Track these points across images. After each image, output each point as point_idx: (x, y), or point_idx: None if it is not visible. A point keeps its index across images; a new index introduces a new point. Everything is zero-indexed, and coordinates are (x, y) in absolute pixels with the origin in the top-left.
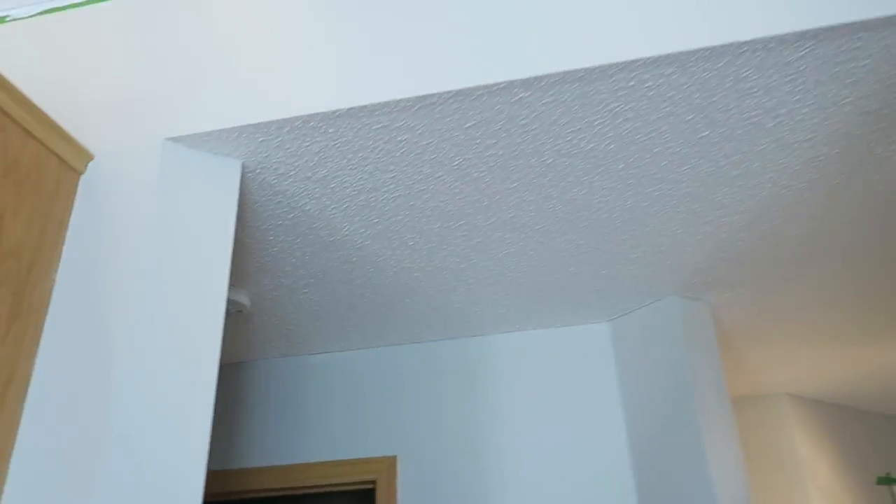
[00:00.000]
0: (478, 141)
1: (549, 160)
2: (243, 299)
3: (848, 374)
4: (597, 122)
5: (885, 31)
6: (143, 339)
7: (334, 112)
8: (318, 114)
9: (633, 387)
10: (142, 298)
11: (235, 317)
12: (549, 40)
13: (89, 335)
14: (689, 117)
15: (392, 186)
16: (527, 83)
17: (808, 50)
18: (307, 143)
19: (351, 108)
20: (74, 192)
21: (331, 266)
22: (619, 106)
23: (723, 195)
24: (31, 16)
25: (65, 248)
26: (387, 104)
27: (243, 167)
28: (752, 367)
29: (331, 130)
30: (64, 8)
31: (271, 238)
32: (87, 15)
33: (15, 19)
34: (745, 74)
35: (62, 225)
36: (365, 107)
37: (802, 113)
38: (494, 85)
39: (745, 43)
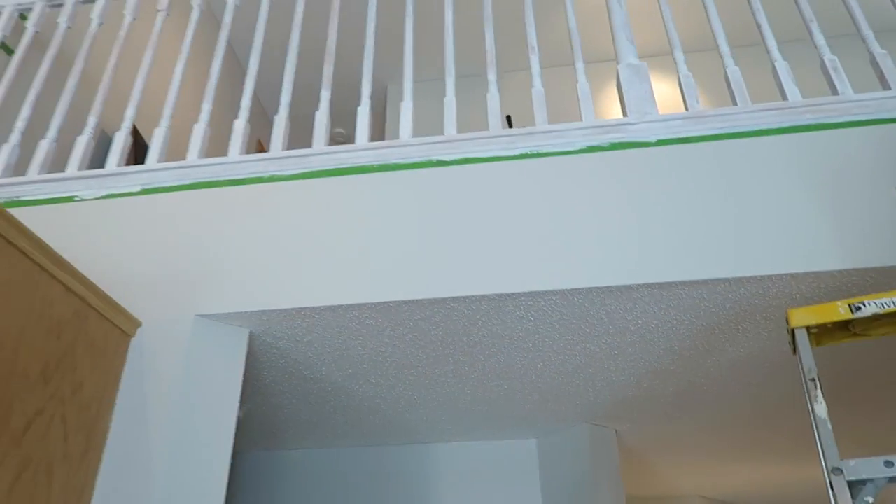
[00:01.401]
0: (423, 327)
1: (476, 339)
2: (239, 413)
3: (748, 483)
4: (507, 321)
5: (697, 287)
6: (172, 457)
7: (318, 307)
8: (306, 307)
9: (551, 495)
10: (173, 430)
11: None
12: (473, 273)
13: (133, 459)
14: (574, 322)
15: (360, 349)
16: (456, 299)
17: (647, 292)
18: (298, 322)
19: (330, 306)
20: (126, 353)
21: (310, 393)
22: (522, 314)
23: (609, 365)
24: (95, 198)
25: (118, 395)
26: (354, 305)
27: (250, 333)
28: (664, 473)
29: (316, 316)
30: (121, 195)
31: (265, 374)
32: (139, 203)
33: (82, 200)
34: (608, 301)
35: (117, 379)
36: (340, 305)
37: (654, 324)
38: (433, 299)
39: (601, 288)
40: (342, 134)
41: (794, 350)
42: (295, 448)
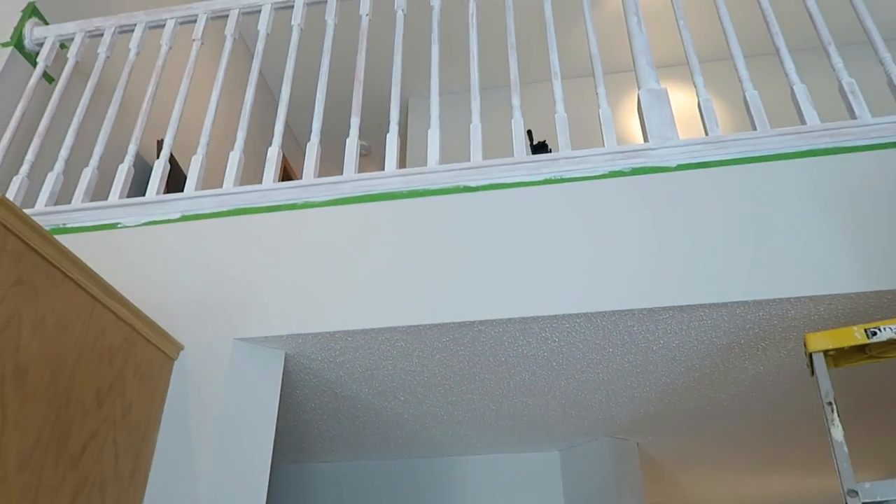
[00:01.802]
0: (451, 348)
1: (502, 359)
2: None
3: (769, 493)
4: (533, 342)
5: (718, 309)
6: (214, 474)
7: (351, 331)
8: (339, 331)
9: None
10: (214, 448)
11: None
12: (500, 297)
13: (178, 476)
14: (597, 341)
15: (390, 369)
16: (483, 322)
17: (668, 314)
18: (331, 344)
19: (363, 329)
20: (170, 375)
21: (340, 409)
22: (547, 335)
23: (631, 382)
24: (137, 225)
25: (163, 416)
26: (386, 329)
27: (286, 355)
28: (685, 484)
29: (349, 339)
30: (162, 222)
31: (298, 392)
32: (179, 229)
33: (124, 227)
34: (630, 324)
35: (162, 400)
36: (372, 329)
37: (675, 344)
38: (461, 322)
39: (624, 311)
40: (364, 146)
41: (812, 372)
42: (324, 461)
